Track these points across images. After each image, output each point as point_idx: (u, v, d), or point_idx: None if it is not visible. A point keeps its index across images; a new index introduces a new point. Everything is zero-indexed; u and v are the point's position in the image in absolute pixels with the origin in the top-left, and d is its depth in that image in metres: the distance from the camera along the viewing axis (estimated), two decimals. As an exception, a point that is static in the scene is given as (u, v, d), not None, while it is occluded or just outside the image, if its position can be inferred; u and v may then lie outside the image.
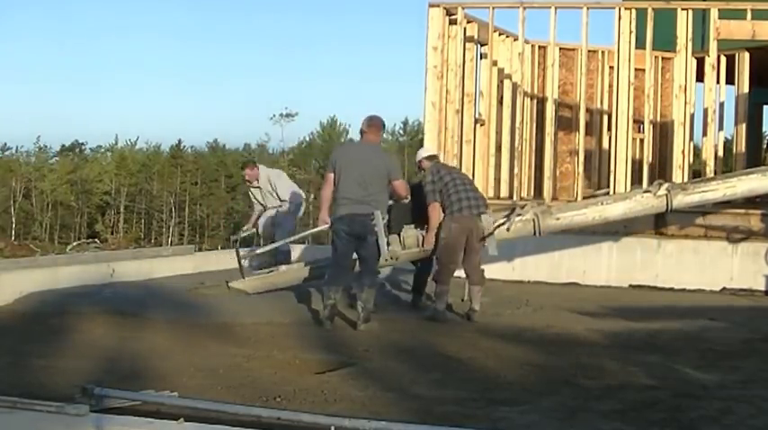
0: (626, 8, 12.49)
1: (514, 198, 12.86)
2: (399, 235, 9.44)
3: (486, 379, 6.45)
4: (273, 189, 12.65)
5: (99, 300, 9.27)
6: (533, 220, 10.10)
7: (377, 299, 8.74)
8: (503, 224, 9.84)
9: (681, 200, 10.37)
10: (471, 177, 11.63)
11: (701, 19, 13.37)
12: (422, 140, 13.50)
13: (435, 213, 9.18)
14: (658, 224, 12.21)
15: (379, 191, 8.55)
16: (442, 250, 9.19)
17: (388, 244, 8.90)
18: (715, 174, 12.58)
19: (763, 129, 22.76)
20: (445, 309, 9.15)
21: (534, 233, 10.21)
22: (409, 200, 9.23)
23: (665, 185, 10.45)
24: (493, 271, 12.09)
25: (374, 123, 8.84)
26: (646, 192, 10.55)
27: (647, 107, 12.82)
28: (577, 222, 10.53)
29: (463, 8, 13.08)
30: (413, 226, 9.51)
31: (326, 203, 8.73)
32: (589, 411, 5.60)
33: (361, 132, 8.88)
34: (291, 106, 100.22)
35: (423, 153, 9.83)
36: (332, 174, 8.58)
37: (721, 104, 14.49)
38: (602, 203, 10.60)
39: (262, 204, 12.87)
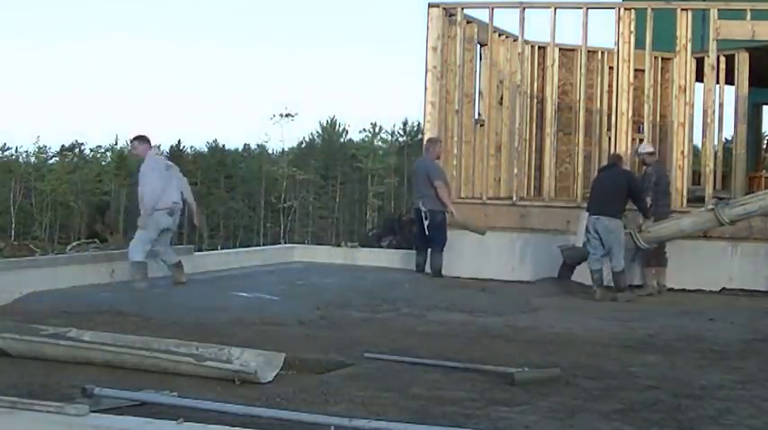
0: (626, 8, 12.50)
1: (514, 198, 12.87)
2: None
3: (486, 379, 6.45)
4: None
5: (98, 299, 9.28)
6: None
7: None
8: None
9: (728, 213, 10.99)
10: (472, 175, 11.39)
11: (701, 19, 13.37)
12: (422, 140, 13.51)
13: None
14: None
15: (425, 189, 12.08)
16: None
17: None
18: (714, 175, 12.69)
19: (763, 130, 22.77)
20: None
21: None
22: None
23: (712, 201, 11.43)
24: (493, 271, 12.16)
25: (430, 143, 12.45)
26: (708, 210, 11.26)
27: (646, 107, 12.82)
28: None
29: (463, 9, 13.08)
30: None
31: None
32: (589, 411, 5.61)
33: (426, 149, 12.45)
34: (291, 106, 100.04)
35: (645, 148, 11.92)
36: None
37: (721, 105, 14.49)
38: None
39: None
